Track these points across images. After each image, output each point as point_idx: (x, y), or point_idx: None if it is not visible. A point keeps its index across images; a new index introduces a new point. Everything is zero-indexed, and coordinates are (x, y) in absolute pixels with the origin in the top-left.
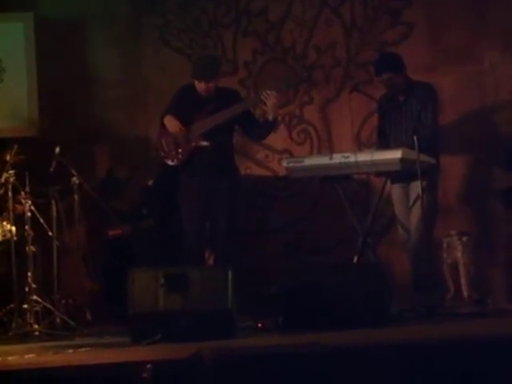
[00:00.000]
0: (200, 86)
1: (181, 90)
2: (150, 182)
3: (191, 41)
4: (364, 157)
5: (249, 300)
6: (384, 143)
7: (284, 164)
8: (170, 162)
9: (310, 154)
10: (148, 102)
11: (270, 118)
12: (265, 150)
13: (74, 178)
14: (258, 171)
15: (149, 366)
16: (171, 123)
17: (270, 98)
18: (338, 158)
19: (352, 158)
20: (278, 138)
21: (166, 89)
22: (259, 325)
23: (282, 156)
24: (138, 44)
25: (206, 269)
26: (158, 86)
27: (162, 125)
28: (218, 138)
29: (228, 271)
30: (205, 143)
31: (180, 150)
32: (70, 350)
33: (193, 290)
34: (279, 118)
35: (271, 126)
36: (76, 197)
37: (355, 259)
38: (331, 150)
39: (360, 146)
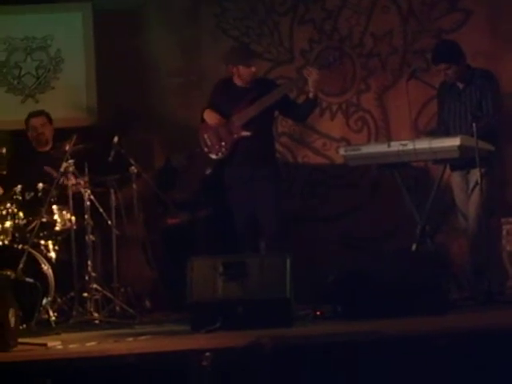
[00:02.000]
0: (249, 72)
1: (218, 84)
2: (208, 171)
3: (248, 29)
4: (422, 144)
5: (307, 288)
6: (443, 131)
7: (341, 152)
8: (214, 156)
9: (368, 141)
10: (206, 91)
11: (311, 95)
12: (322, 138)
13: (133, 167)
14: (315, 159)
15: (208, 354)
16: (210, 116)
17: (312, 75)
18: (395, 146)
19: (410, 146)
20: (335, 126)
21: (224, 77)
22: (317, 313)
23: (340, 144)
24: (195, 32)
25: (265, 257)
26: (215, 74)
27: (202, 120)
28: (258, 126)
29: (286, 259)
30: (247, 133)
31: (223, 143)
32: (130, 338)
33: (251, 279)
34: (324, 103)
35: (312, 105)
36: (134, 186)
37: (414, 247)
38: (389, 138)
39: (418, 133)
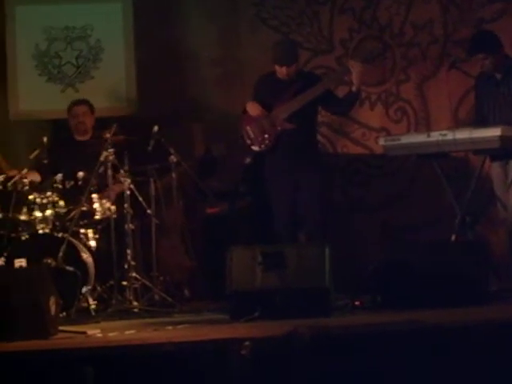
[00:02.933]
0: (281, 71)
1: (261, 78)
2: (248, 160)
3: (287, 18)
4: (462, 134)
5: (346, 278)
6: (483, 121)
7: (381, 142)
8: (256, 149)
9: (407, 131)
10: (245, 80)
11: (354, 89)
12: (361, 128)
13: (172, 157)
14: (354, 149)
15: (247, 343)
16: (253, 108)
17: (356, 67)
18: (435, 136)
19: (450, 136)
20: (374, 116)
21: (263, 66)
22: (356, 303)
23: (379, 134)
24: (234, 22)
25: (303, 246)
26: (254, 63)
27: (244, 111)
28: (301, 119)
29: (325, 249)
30: (290, 126)
31: (266, 136)
32: (169, 327)
33: (290, 268)
34: (364, 94)
35: (355, 98)
36: (174, 175)
37: (453, 237)
38: (428, 128)
39: (458, 123)
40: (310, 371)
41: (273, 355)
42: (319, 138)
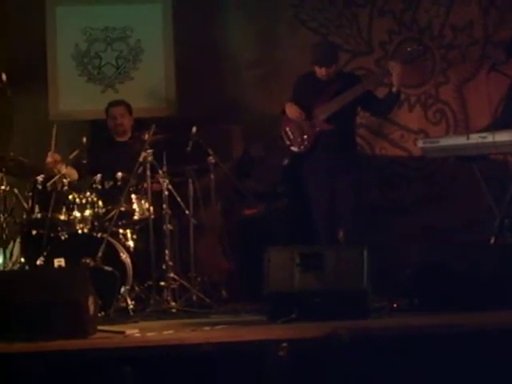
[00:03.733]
0: (321, 72)
1: (300, 79)
2: (286, 162)
3: (326, 20)
4: (502, 137)
5: (384, 280)
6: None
7: (420, 144)
8: (296, 149)
9: (446, 134)
10: (283, 81)
11: (394, 90)
12: (400, 130)
13: (211, 158)
14: (392, 151)
15: (284, 344)
16: (291, 109)
17: (396, 68)
18: (475, 138)
19: (490, 138)
20: (413, 118)
21: (301, 68)
22: (394, 305)
23: (418, 136)
24: (273, 23)
25: (342, 248)
26: (293, 64)
27: (283, 112)
28: (341, 120)
29: (363, 251)
30: (329, 127)
31: (305, 137)
32: (207, 327)
33: (328, 270)
34: (402, 95)
35: (395, 99)
36: (212, 176)
37: (492, 240)
38: (468, 130)
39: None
40: (347, 373)
41: (310, 357)
42: (357, 139)
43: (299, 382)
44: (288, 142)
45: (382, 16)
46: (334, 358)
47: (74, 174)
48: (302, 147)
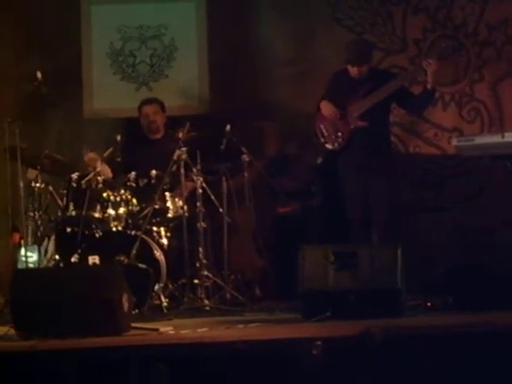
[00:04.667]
0: (353, 71)
1: (334, 76)
2: (319, 160)
3: (361, 18)
4: None
5: (418, 279)
6: None
7: (454, 143)
8: (330, 147)
9: (481, 132)
10: (318, 80)
11: (429, 86)
12: (434, 128)
13: (245, 156)
14: (426, 150)
15: (319, 342)
16: (326, 108)
17: (431, 66)
18: (510, 137)
19: None
20: (447, 117)
21: (336, 67)
22: (428, 304)
23: (452, 134)
24: (308, 21)
25: (376, 247)
26: (328, 63)
27: (318, 111)
28: (375, 118)
29: (398, 250)
30: (363, 124)
31: (339, 134)
32: (241, 325)
33: (362, 268)
34: (437, 93)
35: (430, 96)
36: (246, 174)
37: None
38: (503, 129)
39: None
40: (380, 372)
41: (344, 355)
42: (391, 137)
43: (333, 381)
44: (322, 140)
45: (417, 14)
46: (367, 356)
47: (107, 172)
48: (336, 145)
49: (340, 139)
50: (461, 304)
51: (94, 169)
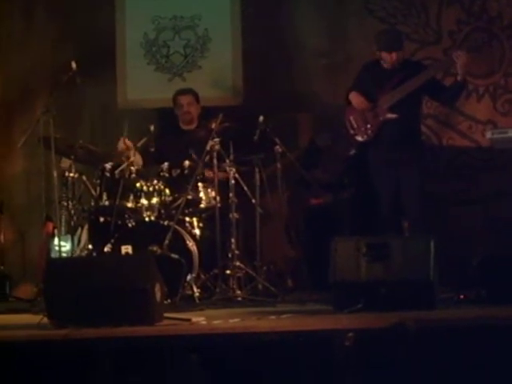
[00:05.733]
0: (391, 58)
1: (364, 67)
2: (352, 152)
3: (394, 9)
4: None
5: (451, 271)
6: None
7: (488, 135)
8: (360, 139)
9: None
10: (351, 71)
11: (459, 78)
12: (468, 120)
13: (277, 147)
14: (460, 142)
15: (351, 334)
16: (356, 99)
17: (461, 58)
18: None
19: None
20: (481, 109)
21: (369, 58)
22: (461, 296)
23: (486, 127)
24: (342, 12)
25: (408, 239)
26: (361, 55)
27: (348, 103)
28: (405, 109)
29: (430, 241)
30: (393, 116)
31: (369, 126)
32: (273, 316)
33: (394, 260)
34: (470, 86)
35: (460, 88)
36: (279, 165)
37: None
38: None
39: None
40: (413, 363)
41: (377, 347)
42: (424, 129)
43: (365, 372)
44: (352, 132)
45: (451, 5)
46: (400, 348)
47: (139, 161)
48: (365, 136)
49: (369, 131)
50: (494, 296)
51: (127, 158)
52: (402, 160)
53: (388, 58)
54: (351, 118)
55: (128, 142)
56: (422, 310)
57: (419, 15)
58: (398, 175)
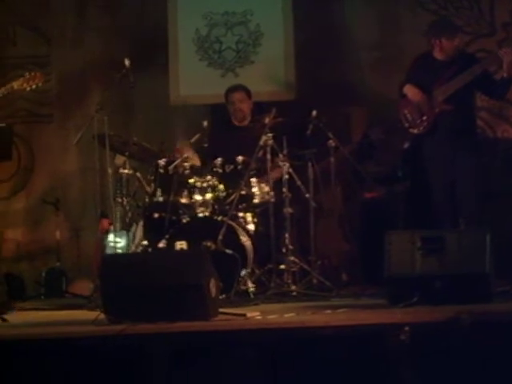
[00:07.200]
0: (452, 44)
1: (416, 60)
2: (406, 145)
3: (446, 2)
4: None
5: (507, 264)
6: None
7: None
8: (415, 131)
9: None
10: (403, 65)
11: (505, 75)
12: None
13: (331, 141)
14: None
15: (406, 328)
16: (412, 92)
17: (508, 55)
18: None
19: None
20: None
21: (421, 51)
22: None
23: None
24: (393, 6)
25: (463, 232)
26: (413, 49)
27: (402, 95)
28: (460, 101)
29: (486, 234)
30: (448, 108)
31: (425, 118)
32: (328, 311)
33: (450, 253)
34: None
35: (506, 85)
36: (332, 159)
37: None
38: None
39: None
40: (469, 357)
41: (432, 341)
42: (479, 122)
43: (421, 366)
44: (407, 125)
45: None
46: (456, 342)
47: (196, 160)
48: (421, 129)
49: (425, 123)
50: None
51: (179, 155)
52: (458, 153)
53: (449, 45)
54: (406, 111)
55: (185, 142)
56: (478, 304)
57: (471, 7)
58: (454, 169)
